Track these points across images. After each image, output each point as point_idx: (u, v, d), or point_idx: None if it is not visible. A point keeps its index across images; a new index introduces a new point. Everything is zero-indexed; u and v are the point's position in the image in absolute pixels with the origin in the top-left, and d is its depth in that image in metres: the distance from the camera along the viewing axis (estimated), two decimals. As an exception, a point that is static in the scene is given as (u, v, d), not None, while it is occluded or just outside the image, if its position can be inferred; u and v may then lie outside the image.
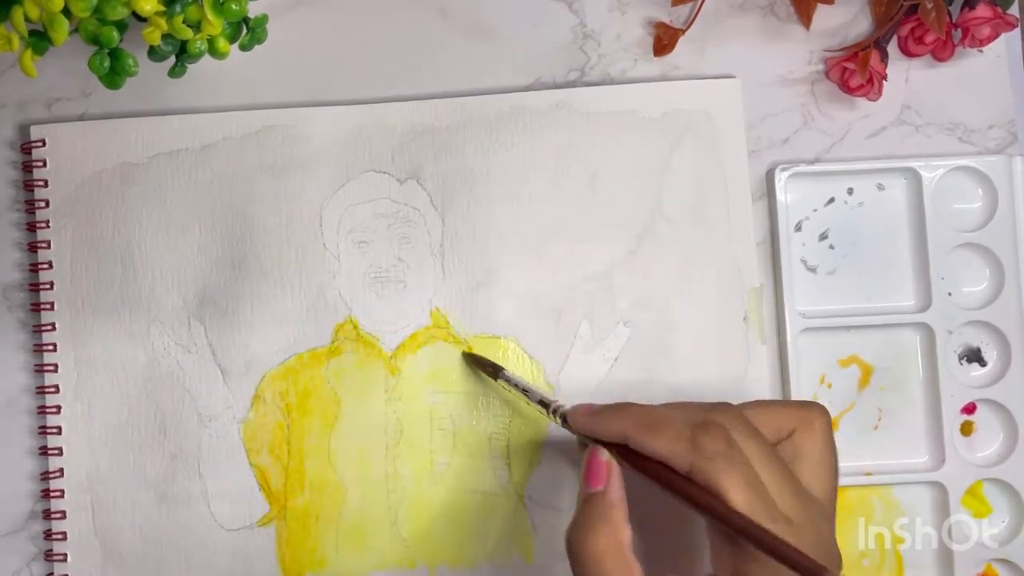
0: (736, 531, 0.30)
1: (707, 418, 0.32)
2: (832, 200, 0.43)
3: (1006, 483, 0.42)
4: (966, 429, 0.43)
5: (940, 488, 0.42)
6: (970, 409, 0.43)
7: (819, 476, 0.34)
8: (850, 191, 0.43)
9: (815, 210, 0.43)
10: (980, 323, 0.43)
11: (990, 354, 0.43)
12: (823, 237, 0.43)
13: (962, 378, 0.43)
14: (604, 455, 0.34)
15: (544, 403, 0.38)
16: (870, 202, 0.44)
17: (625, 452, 0.33)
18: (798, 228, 0.43)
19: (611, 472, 0.33)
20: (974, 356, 0.43)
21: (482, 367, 0.41)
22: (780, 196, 0.43)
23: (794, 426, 0.34)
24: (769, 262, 0.43)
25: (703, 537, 0.34)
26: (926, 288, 0.43)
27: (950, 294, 0.43)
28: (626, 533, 0.32)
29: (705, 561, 0.34)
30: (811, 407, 0.35)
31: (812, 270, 0.43)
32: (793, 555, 0.29)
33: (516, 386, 0.39)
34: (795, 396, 0.42)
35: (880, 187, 0.43)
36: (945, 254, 0.43)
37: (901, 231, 0.43)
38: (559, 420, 0.36)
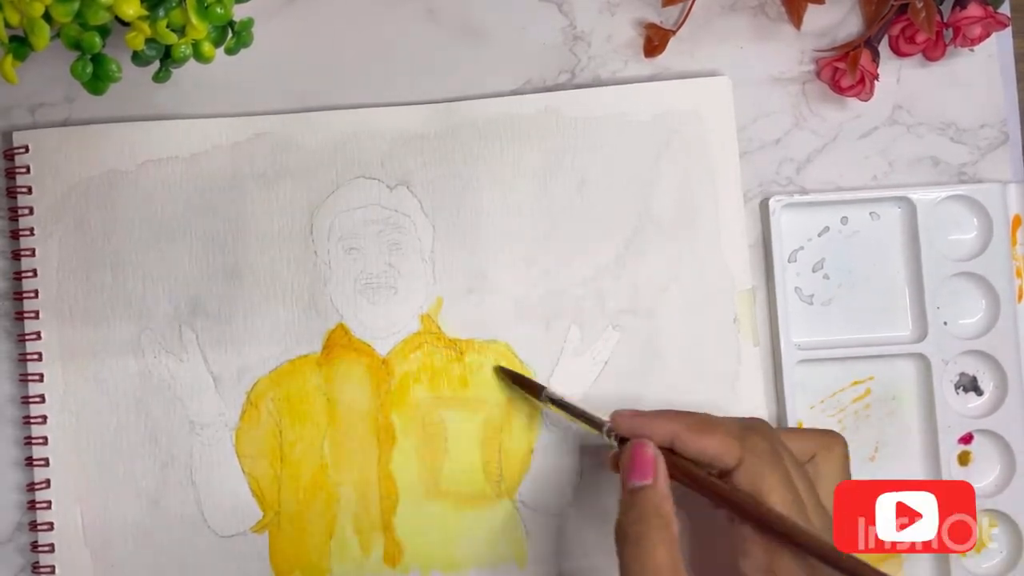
0: (780, 534, 0.31)
1: (753, 424, 0.35)
2: (827, 229, 0.43)
3: (1004, 514, 0.42)
4: (963, 459, 0.43)
5: None
6: (967, 439, 0.42)
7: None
8: (844, 220, 0.43)
9: (809, 240, 0.43)
10: (976, 353, 0.42)
11: (986, 384, 0.43)
12: (818, 267, 0.43)
13: (959, 408, 0.43)
14: (651, 449, 0.34)
15: (595, 424, 0.37)
16: (864, 231, 0.43)
17: (665, 457, 0.34)
18: (792, 259, 0.43)
19: (658, 465, 0.34)
20: (971, 386, 0.43)
21: (523, 386, 0.41)
22: (775, 227, 0.42)
23: (815, 451, 0.36)
24: (763, 290, 0.43)
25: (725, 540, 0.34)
26: (922, 318, 0.42)
27: (946, 323, 0.43)
28: (676, 528, 0.33)
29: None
30: (831, 435, 0.37)
31: (807, 301, 0.43)
32: (847, 561, 0.30)
33: (562, 406, 0.39)
34: (791, 425, 0.42)
35: (874, 216, 0.43)
36: (940, 283, 0.42)
37: (896, 260, 0.43)
38: (615, 442, 0.36)
